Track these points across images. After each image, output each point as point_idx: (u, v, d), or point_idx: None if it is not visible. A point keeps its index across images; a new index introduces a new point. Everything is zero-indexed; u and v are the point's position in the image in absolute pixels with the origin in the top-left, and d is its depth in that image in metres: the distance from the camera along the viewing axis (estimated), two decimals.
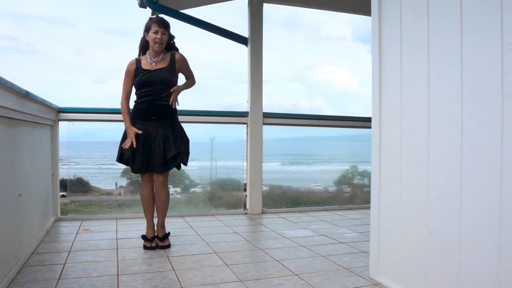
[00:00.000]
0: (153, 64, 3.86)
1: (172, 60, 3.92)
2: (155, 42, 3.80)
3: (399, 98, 2.81)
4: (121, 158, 3.91)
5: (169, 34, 3.93)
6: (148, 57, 3.89)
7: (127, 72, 3.89)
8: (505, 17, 2.04)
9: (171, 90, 3.87)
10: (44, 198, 4.53)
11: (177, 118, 4.03)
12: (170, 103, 3.87)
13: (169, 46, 3.99)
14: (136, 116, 3.89)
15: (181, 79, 4.05)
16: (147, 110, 3.84)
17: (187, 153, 3.99)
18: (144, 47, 3.97)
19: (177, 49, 4.05)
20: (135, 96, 3.93)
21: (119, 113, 5.17)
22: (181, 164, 4.01)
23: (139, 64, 3.86)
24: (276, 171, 6.79)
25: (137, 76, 3.84)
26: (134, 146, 3.76)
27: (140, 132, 3.77)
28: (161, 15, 4.30)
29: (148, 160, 3.84)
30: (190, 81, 4.08)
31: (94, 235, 4.42)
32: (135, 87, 3.89)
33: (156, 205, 4.06)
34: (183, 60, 3.99)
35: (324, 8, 6.18)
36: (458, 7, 2.32)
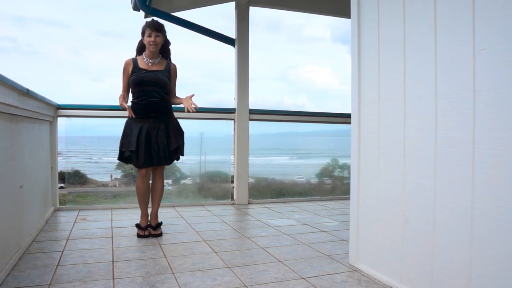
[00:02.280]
0: (150, 64, 3.87)
1: (168, 68, 3.95)
2: (150, 44, 3.80)
3: (377, 96, 2.79)
4: (121, 156, 3.88)
5: (165, 37, 3.93)
6: (144, 57, 3.89)
7: (124, 71, 3.88)
8: (477, 21, 2.03)
9: (189, 106, 3.81)
10: (43, 189, 4.50)
11: (173, 113, 4.03)
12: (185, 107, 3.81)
13: (165, 50, 4.00)
14: (136, 115, 3.84)
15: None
16: (146, 109, 3.82)
17: (183, 144, 4.02)
18: (140, 49, 3.97)
19: (170, 58, 4.06)
20: (132, 95, 3.89)
21: (114, 109, 5.16)
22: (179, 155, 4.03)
23: (136, 63, 3.86)
24: (262, 164, 6.77)
25: (134, 74, 3.82)
26: (128, 112, 3.79)
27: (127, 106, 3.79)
28: (154, 18, 4.25)
29: (150, 155, 3.81)
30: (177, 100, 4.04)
31: (91, 224, 4.37)
32: (131, 85, 3.84)
33: (152, 194, 4.06)
34: (175, 73, 4.03)
35: (305, 11, 6.17)
36: (432, 10, 2.30)
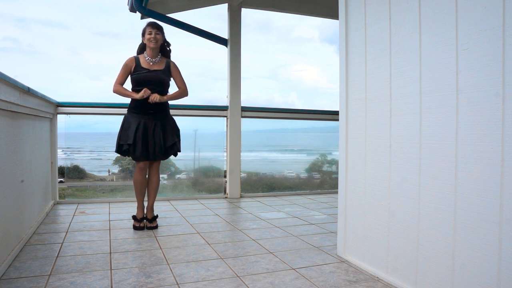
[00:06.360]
0: (151, 64, 3.87)
1: (168, 66, 3.95)
2: (150, 41, 3.82)
3: (364, 94, 2.78)
4: (119, 149, 3.87)
5: (163, 37, 3.94)
6: (146, 56, 3.89)
7: (125, 66, 3.86)
8: (460, 22, 2.02)
9: (164, 98, 3.83)
10: (44, 183, 4.47)
11: (169, 112, 4.03)
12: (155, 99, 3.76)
13: (164, 50, 4.00)
14: (134, 111, 3.85)
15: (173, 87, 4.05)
16: (146, 106, 3.80)
17: (179, 141, 4.02)
18: (141, 50, 3.97)
19: (170, 57, 4.04)
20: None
21: (111, 107, 5.14)
22: (176, 152, 4.03)
23: (138, 62, 3.86)
24: (253, 159, 6.76)
25: (136, 73, 3.82)
26: (147, 94, 3.73)
27: (148, 92, 3.74)
28: (150, 19, 4.23)
29: (147, 149, 3.81)
30: (181, 92, 4.01)
31: (89, 217, 4.35)
32: (133, 82, 3.85)
33: (148, 188, 4.05)
34: (176, 68, 4.01)
35: (295, 12, 6.15)
36: (417, 11, 2.29)
